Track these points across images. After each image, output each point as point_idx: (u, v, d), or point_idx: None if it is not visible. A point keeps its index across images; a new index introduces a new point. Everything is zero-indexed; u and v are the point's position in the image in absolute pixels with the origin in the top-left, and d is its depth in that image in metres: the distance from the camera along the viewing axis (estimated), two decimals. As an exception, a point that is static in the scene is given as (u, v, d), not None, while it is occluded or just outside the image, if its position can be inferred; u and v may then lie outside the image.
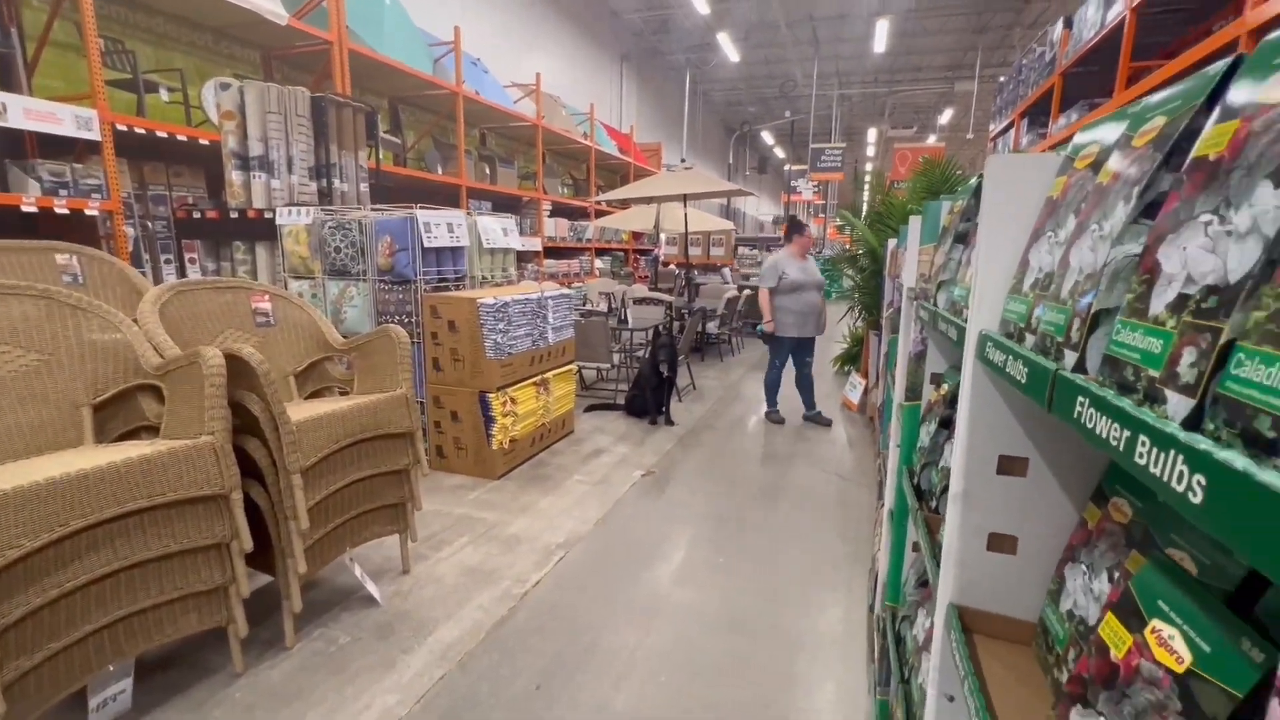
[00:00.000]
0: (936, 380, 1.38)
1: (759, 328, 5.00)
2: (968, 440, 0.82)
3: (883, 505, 2.65)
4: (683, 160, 16.05)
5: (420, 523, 3.14)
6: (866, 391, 5.53)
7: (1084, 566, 0.72)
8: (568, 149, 10.51)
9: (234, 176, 4.23)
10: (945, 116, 22.45)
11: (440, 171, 7.44)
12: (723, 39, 14.63)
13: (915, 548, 1.48)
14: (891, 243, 4.48)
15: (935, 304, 1.25)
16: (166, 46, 5.21)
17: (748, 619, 2.46)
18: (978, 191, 1.22)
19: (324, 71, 5.58)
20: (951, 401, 1.28)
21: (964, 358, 0.82)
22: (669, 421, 5.19)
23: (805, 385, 5.25)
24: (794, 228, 5.03)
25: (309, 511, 2.10)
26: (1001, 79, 10.97)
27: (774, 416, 5.27)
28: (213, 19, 5.20)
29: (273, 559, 2.11)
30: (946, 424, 1.28)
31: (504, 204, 8.80)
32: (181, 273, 4.64)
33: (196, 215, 4.37)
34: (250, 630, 2.20)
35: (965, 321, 0.84)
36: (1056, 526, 0.80)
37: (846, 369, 7.18)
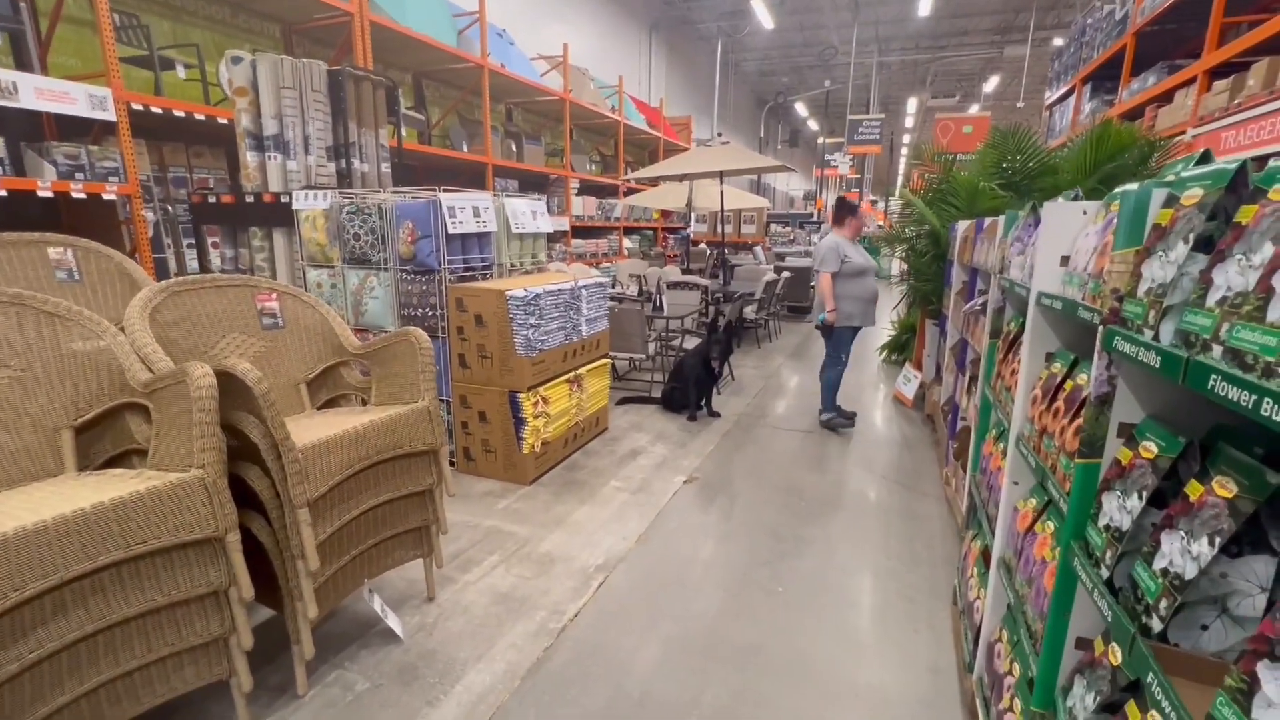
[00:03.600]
0: (1128, 434, 1.02)
1: (820, 318, 4.45)
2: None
3: (974, 537, 2.29)
4: (719, 135, 15.46)
5: (447, 537, 2.90)
6: (923, 386, 5.12)
7: None
8: (595, 124, 10.08)
9: (249, 158, 3.97)
10: (991, 84, 21.21)
11: (466, 149, 7.11)
12: (756, 5, 13.86)
13: (1080, 644, 1.14)
14: (961, 225, 4.04)
15: (1157, 337, 0.89)
16: (183, 21, 4.95)
17: (818, 667, 2.15)
18: (1235, 180, 0.85)
19: (345, 45, 5.27)
20: (1168, 472, 0.93)
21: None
22: (713, 414, 4.87)
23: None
24: (847, 209, 4.55)
25: (320, 546, 1.84)
26: (1059, 41, 10.14)
27: (838, 423, 4.61)
28: (228, -10, 4.92)
29: (279, 595, 1.86)
30: (1158, 501, 0.93)
31: (531, 182, 8.46)
32: (203, 259, 4.43)
33: (212, 200, 4.13)
34: (258, 674, 1.97)
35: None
36: None
37: (895, 358, 6.74)
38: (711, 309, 6.33)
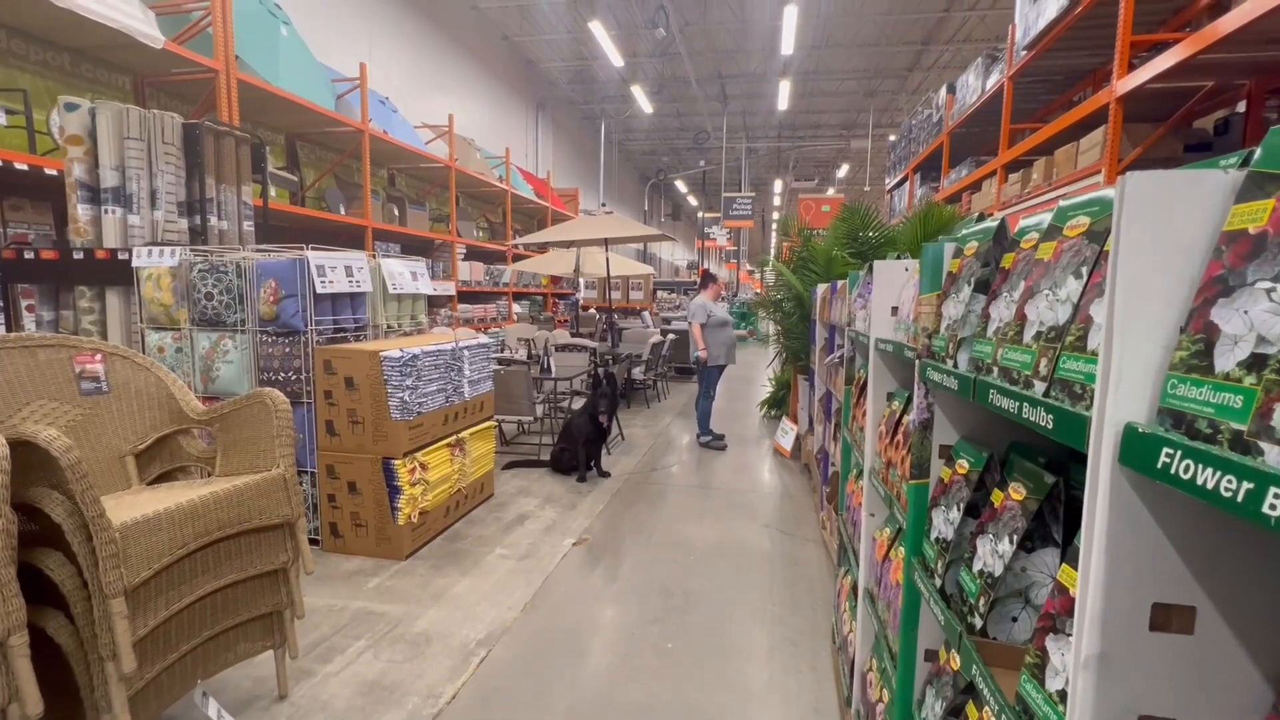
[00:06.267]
0: (947, 454, 1.16)
1: (694, 355, 5.72)
2: (1106, 580, 0.57)
3: (845, 574, 2.42)
4: (603, 205, 16.11)
5: (306, 624, 2.59)
6: (799, 438, 5.43)
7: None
8: (483, 192, 10.17)
9: (80, 211, 3.57)
10: (843, 170, 24.15)
11: (344, 212, 6.87)
12: (637, 91, 14.99)
13: (929, 656, 1.23)
14: (821, 288, 4.46)
15: (956, 364, 1.03)
16: (8, 64, 4.47)
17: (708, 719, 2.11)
18: (998, 235, 1.02)
19: (208, 102, 4.99)
20: (977, 484, 1.06)
21: (1093, 461, 0.58)
22: (603, 473, 4.84)
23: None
24: (708, 277, 6.18)
25: (140, 643, 1.58)
26: (892, 138, 11.88)
27: (716, 444, 5.77)
28: (70, 38, 4.53)
29: (80, 709, 1.56)
30: (973, 511, 1.05)
31: (415, 247, 8.28)
32: (12, 323, 3.84)
33: (28, 255, 3.64)
34: (46, 816, 1.61)
35: (1086, 407, 0.60)
36: (1237, 706, 0.56)
37: (774, 413, 7.13)
38: (600, 369, 6.41)
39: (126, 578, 1.50)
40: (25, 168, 3.69)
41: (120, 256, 3.48)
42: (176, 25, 4.85)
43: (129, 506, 1.68)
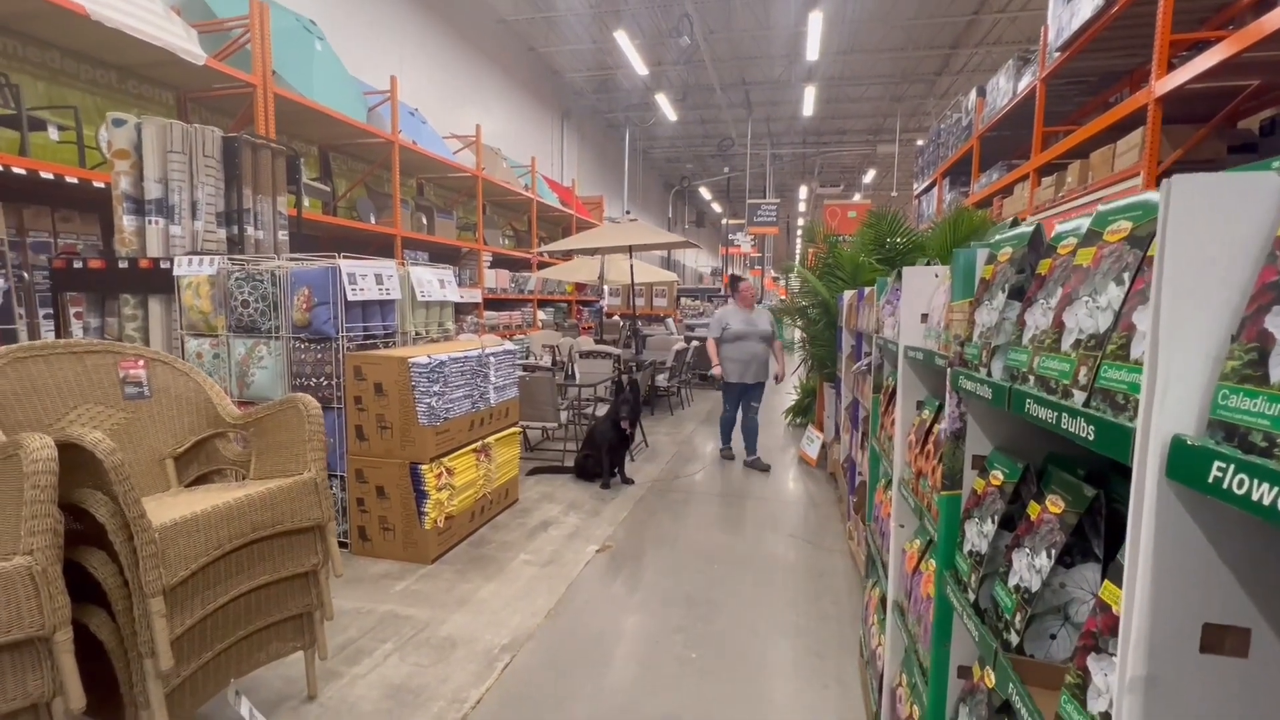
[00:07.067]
0: (981, 465, 1.13)
1: (709, 373, 5.53)
2: (1153, 599, 0.54)
3: (873, 586, 2.37)
4: (627, 212, 16.18)
5: (335, 626, 2.64)
6: (825, 446, 5.36)
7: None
8: (508, 200, 10.30)
9: (125, 222, 3.72)
10: (869, 176, 23.86)
11: (374, 221, 7.02)
12: (661, 99, 15.05)
13: (962, 673, 1.19)
14: (847, 295, 4.40)
15: (990, 373, 1.00)
16: (60, 83, 4.68)
17: (731, 734, 2.09)
18: (1033, 240, 1.00)
19: (246, 116, 5.16)
20: (1013, 496, 1.03)
21: (1138, 474, 0.56)
22: (627, 480, 4.84)
23: (750, 430, 5.50)
24: (735, 282, 5.71)
25: (177, 641, 1.62)
26: (920, 142, 11.73)
27: (725, 453, 5.66)
28: (117, 56, 4.73)
29: (119, 704, 1.60)
30: (1008, 524, 1.02)
31: (442, 255, 8.42)
32: (61, 330, 4.01)
33: (77, 265, 3.80)
34: (87, 809, 1.66)
35: (1129, 418, 0.58)
36: (1298, 733, 0.53)
37: (800, 421, 7.05)
38: (625, 377, 6.42)
39: (165, 577, 1.55)
40: (75, 181, 3.86)
41: (162, 266, 3.61)
42: (217, 42, 5.03)
43: (168, 508, 1.73)
